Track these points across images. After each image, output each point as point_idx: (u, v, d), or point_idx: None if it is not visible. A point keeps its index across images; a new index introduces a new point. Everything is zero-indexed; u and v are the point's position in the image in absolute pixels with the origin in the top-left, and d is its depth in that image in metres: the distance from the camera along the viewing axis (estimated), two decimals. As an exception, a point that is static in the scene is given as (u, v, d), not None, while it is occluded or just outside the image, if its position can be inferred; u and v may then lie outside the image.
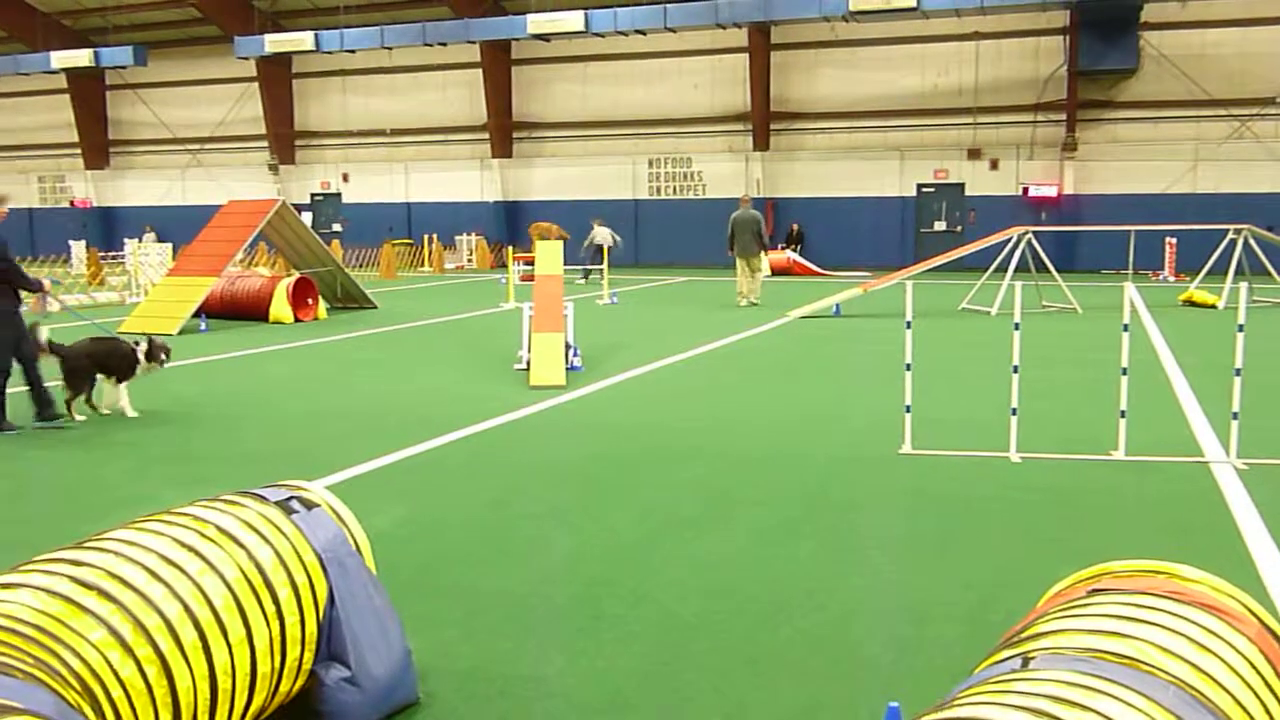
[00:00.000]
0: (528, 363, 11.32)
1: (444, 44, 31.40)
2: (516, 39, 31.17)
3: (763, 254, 20.29)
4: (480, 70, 33.88)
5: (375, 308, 19.42)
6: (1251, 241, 18.54)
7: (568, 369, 11.22)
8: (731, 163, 32.59)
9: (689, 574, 5.12)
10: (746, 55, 31.70)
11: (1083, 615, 2.65)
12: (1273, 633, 2.75)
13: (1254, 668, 2.53)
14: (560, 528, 5.92)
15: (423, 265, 32.40)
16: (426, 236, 33.36)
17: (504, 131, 34.68)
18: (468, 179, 35.58)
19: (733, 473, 7.14)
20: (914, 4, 25.64)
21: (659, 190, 33.62)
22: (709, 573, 5.14)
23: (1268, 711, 2.46)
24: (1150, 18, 27.76)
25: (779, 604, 4.72)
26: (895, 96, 30.74)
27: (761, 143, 32.03)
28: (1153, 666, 2.35)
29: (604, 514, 6.18)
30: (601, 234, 25.66)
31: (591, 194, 33.76)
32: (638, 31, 29.44)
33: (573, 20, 28.80)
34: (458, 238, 33.97)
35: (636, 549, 5.51)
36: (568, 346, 11.55)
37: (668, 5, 28.50)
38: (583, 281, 25.81)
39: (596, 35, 29.61)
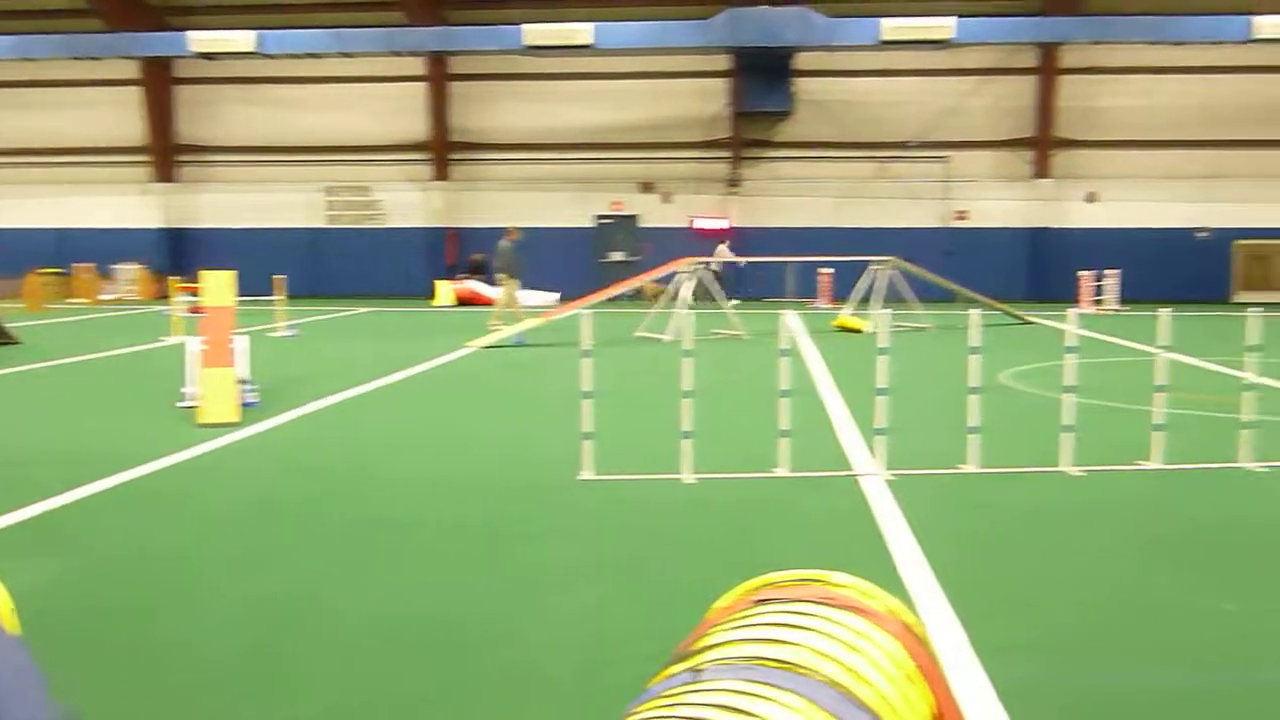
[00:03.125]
0: (195, 400, 10.70)
1: (96, 58, 29.24)
2: (180, 56, 29.51)
3: (505, 280, 20.13)
4: (141, 88, 31.82)
5: (18, 343, 17.74)
6: (894, 272, 20.37)
7: (243, 405, 10.70)
8: (412, 192, 32.30)
9: (374, 609, 5.01)
10: (426, 84, 31.58)
11: (747, 625, 2.82)
12: (911, 630, 3.03)
13: (897, 663, 2.78)
14: (235, 571, 5.63)
15: (75, 296, 29.93)
16: (81, 266, 30.84)
17: (166, 154, 32.71)
18: (127, 204, 33.21)
19: (414, 505, 7.05)
20: (588, 42, 26.46)
21: (338, 219, 32.77)
22: (394, 607, 5.05)
23: (909, 701, 2.70)
24: (802, 65, 30.01)
25: (466, 635, 4.71)
26: (574, 130, 31.55)
27: (442, 172, 31.96)
28: (810, 669, 2.53)
29: (282, 553, 5.94)
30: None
31: (266, 222, 32.43)
32: (311, 55, 28.64)
33: (242, 40, 27.58)
34: (115, 267, 31.64)
35: (317, 588, 5.33)
36: (242, 381, 11.02)
37: (343, 30, 27.94)
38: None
39: (268, 57, 28.54)
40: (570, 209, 31.65)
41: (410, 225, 32.31)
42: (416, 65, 31.37)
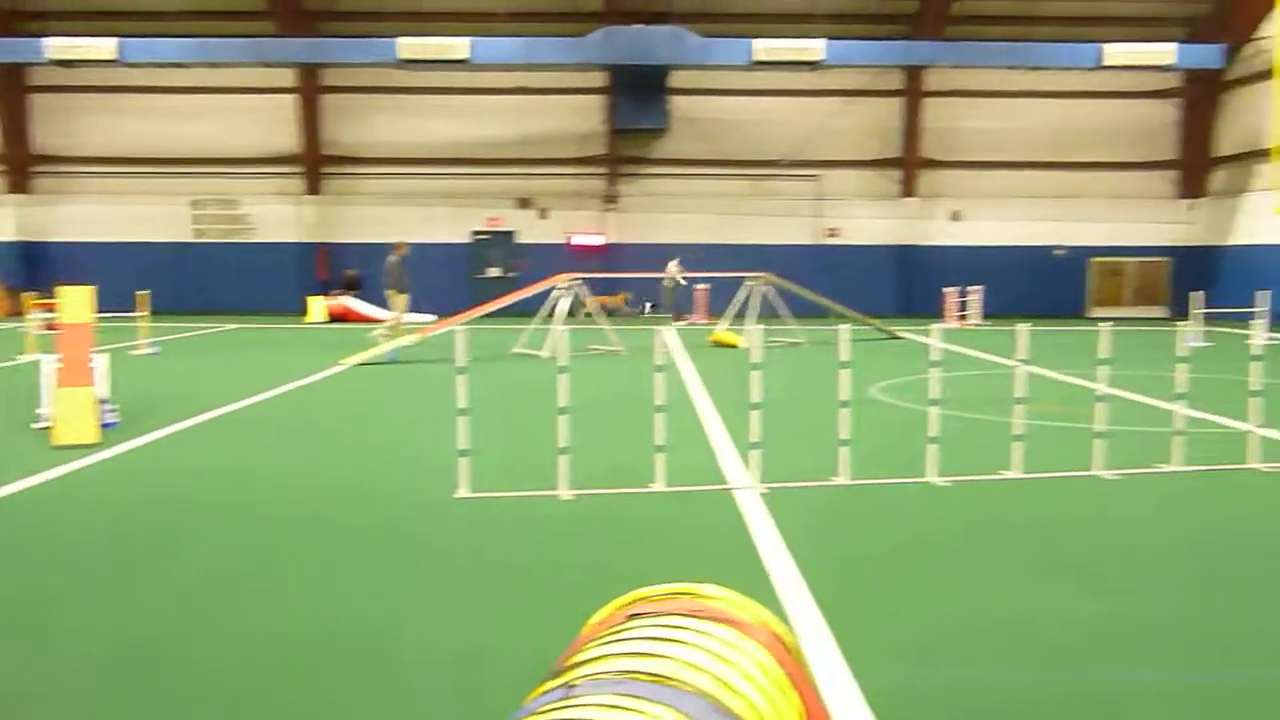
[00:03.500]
0: (51, 420, 10.27)
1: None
2: (35, 64, 28.37)
3: (393, 296, 19.73)
4: (-10, 96, 30.49)
5: None
6: (769, 288, 20.72)
7: (102, 425, 10.31)
8: (282, 206, 31.58)
9: (243, 630, 4.88)
10: (297, 96, 30.97)
11: (620, 640, 2.84)
12: (781, 639, 3.09)
13: (766, 672, 2.84)
14: (93, 601, 5.42)
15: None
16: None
17: (19, 164, 31.34)
18: (-27, 216, 31.69)
19: (287, 524, 6.90)
20: (464, 56, 26.33)
21: (205, 233, 31.85)
22: (265, 628, 4.93)
23: (779, 710, 2.76)
24: (677, 83, 30.36)
25: (340, 654, 4.62)
26: (450, 144, 31.30)
27: (314, 186, 31.36)
28: (681, 681, 2.57)
29: (146, 581, 5.73)
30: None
31: (129, 236, 31.29)
32: (176, 65, 27.83)
33: (103, 47, 26.61)
34: (-39, 283, 30.15)
35: (181, 613, 5.16)
36: (101, 401, 10.61)
37: (210, 39, 27.23)
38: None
39: (130, 66, 27.62)
40: (446, 225, 31.37)
41: (281, 240, 31.57)
42: (287, 76, 30.76)
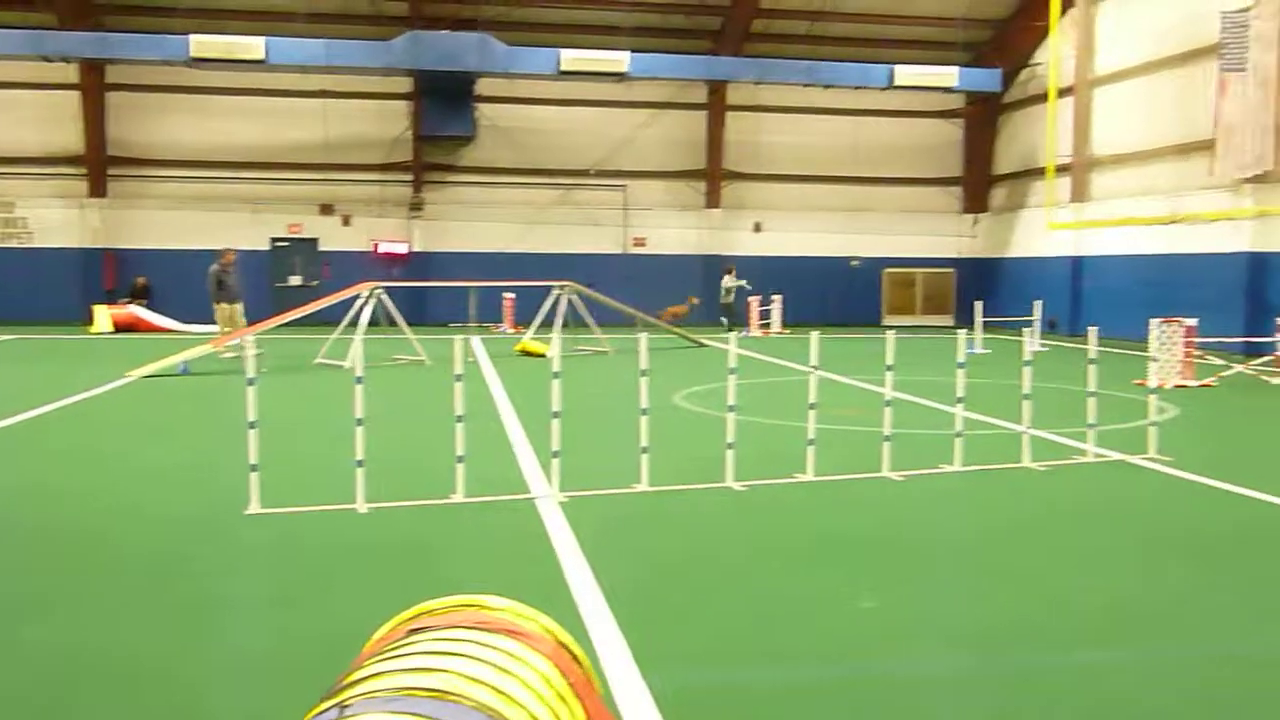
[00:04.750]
0: None
1: None
2: None
3: (220, 306, 18.71)
4: None
5: None
6: (574, 297, 20.81)
7: None
8: (64, 209, 29.73)
9: (25, 655, 4.56)
10: (79, 93, 29.27)
11: (399, 656, 2.79)
12: (567, 648, 3.10)
13: (548, 682, 2.84)
14: None
15: None
16: None
17: None
18: None
19: (60, 545, 6.50)
20: (260, 57, 25.47)
21: (-26, 237, 29.71)
22: (49, 650, 4.62)
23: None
24: (484, 91, 30.18)
25: (127, 677, 4.39)
26: (248, 148, 30.16)
27: (98, 189, 29.68)
28: (460, 695, 2.54)
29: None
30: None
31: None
32: (-58, 56, 25.92)
33: None
34: None
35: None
36: None
37: (-21, 31, 25.46)
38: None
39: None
40: (244, 231, 30.09)
41: (62, 245, 29.74)
42: (69, 72, 28.99)
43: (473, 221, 31.17)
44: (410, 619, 3.14)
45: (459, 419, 7.73)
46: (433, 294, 28.79)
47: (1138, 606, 5.61)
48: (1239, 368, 17.50)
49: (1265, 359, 17.73)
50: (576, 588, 5.71)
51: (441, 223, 31.18)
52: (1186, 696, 4.46)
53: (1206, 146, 22.63)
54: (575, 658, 3.07)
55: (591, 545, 6.56)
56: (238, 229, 29.97)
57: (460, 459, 7.78)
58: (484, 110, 30.71)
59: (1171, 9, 24.79)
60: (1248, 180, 21.77)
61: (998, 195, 33.43)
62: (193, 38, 25.35)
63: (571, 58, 26.98)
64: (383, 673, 2.67)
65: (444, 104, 29.55)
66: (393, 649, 2.86)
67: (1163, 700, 4.41)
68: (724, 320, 28.52)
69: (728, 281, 28.87)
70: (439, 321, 28.79)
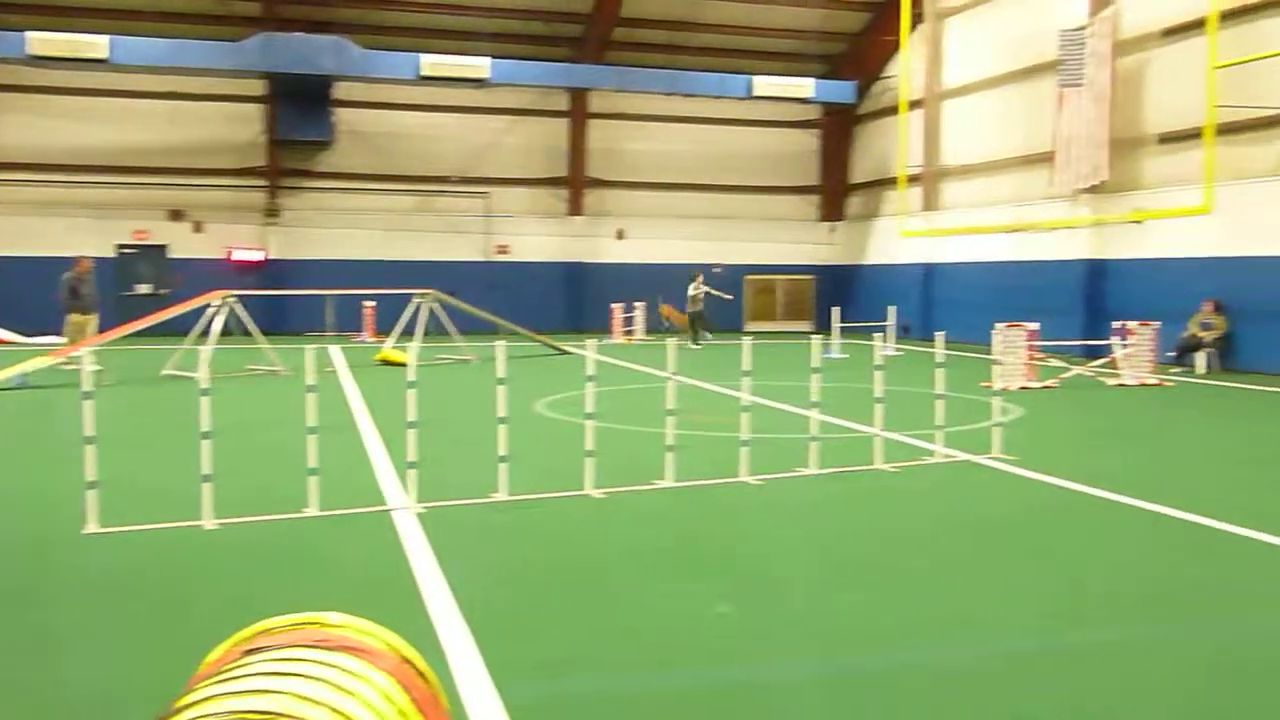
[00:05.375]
0: None
1: None
2: None
3: (71, 317, 17.80)
4: None
5: None
6: (435, 305, 20.56)
7: None
8: (-114, 213, 28.05)
9: None
10: (-99, 91, 27.68)
11: (232, 678, 2.70)
12: (411, 663, 3.04)
13: (390, 699, 2.78)
14: None
15: None
16: None
17: None
18: None
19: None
20: (103, 55, 24.48)
21: None
22: None
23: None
24: (342, 95, 29.62)
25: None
26: (91, 150, 28.87)
27: (-76, 192, 28.07)
28: (294, 717, 2.46)
29: None
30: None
31: None
32: None
33: None
34: None
35: None
36: None
37: None
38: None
39: None
40: (87, 237, 28.65)
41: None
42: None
43: (332, 228, 30.51)
44: (247, 639, 3.03)
45: (311, 430, 7.55)
46: (290, 303, 28.06)
47: (973, 602, 5.80)
48: (1078, 369, 18.33)
49: (1102, 361, 18.61)
50: (431, 601, 5.62)
51: (299, 229, 30.42)
52: (1040, 692, 4.62)
53: (1047, 158, 23.66)
54: (420, 673, 3.02)
55: (448, 557, 6.47)
56: (80, 235, 28.58)
57: (313, 471, 7.59)
58: (342, 115, 30.13)
59: (1013, 26, 25.86)
60: (1085, 191, 22.83)
61: (854, 204, 34.33)
62: (31, 35, 24.20)
63: (431, 63, 26.70)
64: (213, 696, 2.57)
65: (300, 108, 28.89)
66: (227, 671, 2.76)
67: (1004, 697, 4.56)
68: (692, 333, 26.92)
69: (694, 289, 27.17)
70: (297, 331, 28.06)
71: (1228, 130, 18.92)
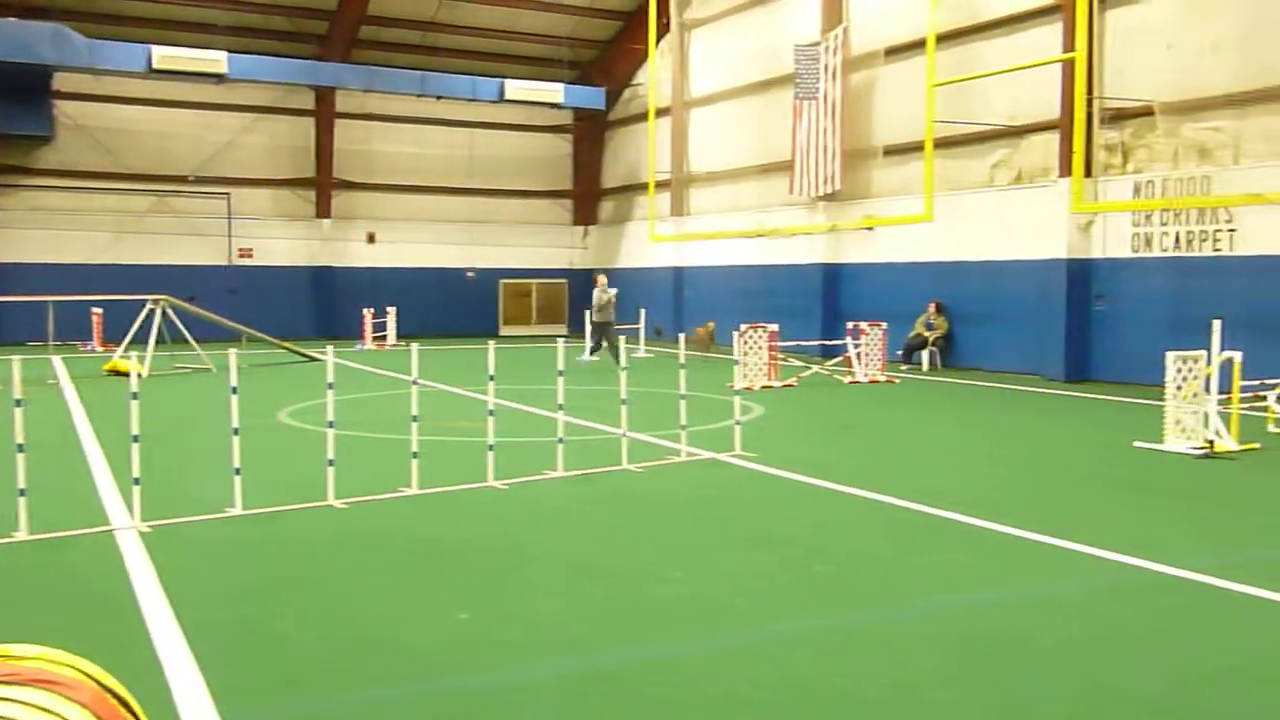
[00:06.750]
0: None
1: None
2: None
3: None
4: None
5: None
6: (170, 311, 19.50)
7: None
8: None
9: None
10: None
11: (-101, 723, 2.48)
12: (112, 692, 2.87)
13: (85, 732, 2.62)
14: None
15: None
16: None
17: None
18: None
19: None
20: None
21: None
22: None
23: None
24: (63, 87, 27.65)
25: None
26: None
27: None
28: (-29, 761, 2.29)
29: None
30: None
31: None
32: None
33: None
34: None
35: None
36: None
37: None
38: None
39: None
40: None
41: None
42: None
43: (55, 230, 28.38)
44: (-78, 679, 2.78)
45: (20, 448, 7.02)
46: (7, 310, 25.92)
47: (710, 597, 6.01)
48: (816, 368, 19.28)
49: (837, 360, 19.65)
50: (153, 625, 5.33)
51: (17, 231, 28.14)
52: (759, 682, 4.82)
53: (786, 167, 24.76)
54: (123, 701, 2.84)
55: (174, 578, 6.16)
56: None
57: (22, 492, 7.06)
58: (65, 108, 28.12)
59: (755, 39, 26.90)
60: (821, 198, 24.04)
61: (606, 208, 34.86)
62: None
63: (164, 55, 25.26)
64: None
65: (15, 100, 26.69)
66: (-106, 715, 2.52)
67: (732, 686, 4.74)
68: (594, 342, 22.14)
69: (600, 295, 21.95)
70: (16, 341, 25.99)
71: (945, 144, 20.35)
